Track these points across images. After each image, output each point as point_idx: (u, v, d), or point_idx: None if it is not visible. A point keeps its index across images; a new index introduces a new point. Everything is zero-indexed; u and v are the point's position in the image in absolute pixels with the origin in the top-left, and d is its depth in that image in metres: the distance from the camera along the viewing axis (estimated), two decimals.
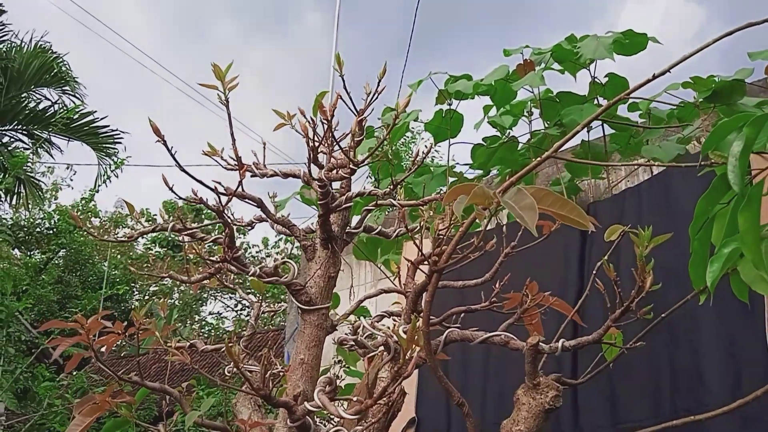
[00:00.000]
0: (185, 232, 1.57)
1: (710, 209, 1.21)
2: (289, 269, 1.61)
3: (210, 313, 22.11)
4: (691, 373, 2.73)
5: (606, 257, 1.42)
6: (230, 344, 1.38)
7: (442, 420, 3.41)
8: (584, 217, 1.16)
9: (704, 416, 1.25)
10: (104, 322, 1.65)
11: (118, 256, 19.54)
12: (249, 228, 1.94)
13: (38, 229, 15.87)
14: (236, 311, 21.16)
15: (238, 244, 1.60)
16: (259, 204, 1.64)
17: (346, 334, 1.68)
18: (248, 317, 1.98)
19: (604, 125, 3.29)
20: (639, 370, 2.86)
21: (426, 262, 1.46)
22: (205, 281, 1.88)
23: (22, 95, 10.43)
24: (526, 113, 3.58)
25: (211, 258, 1.55)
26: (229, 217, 1.50)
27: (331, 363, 3.97)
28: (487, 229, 1.65)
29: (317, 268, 1.67)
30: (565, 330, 1.57)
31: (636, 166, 3.51)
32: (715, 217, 1.23)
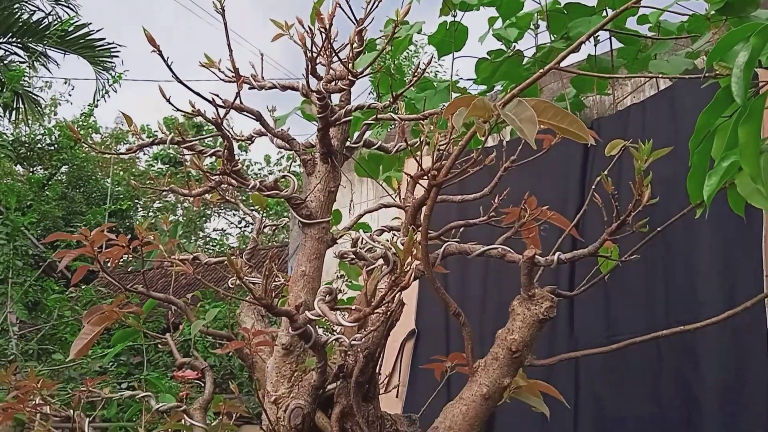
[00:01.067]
0: (184, 145, 1.57)
1: (712, 122, 1.20)
2: (290, 183, 1.61)
3: (214, 230, 22.35)
4: (686, 288, 2.78)
5: (606, 172, 1.42)
6: (232, 256, 1.40)
7: (441, 332, 3.51)
8: (584, 130, 1.15)
9: (694, 326, 1.29)
10: (109, 234, 1.68)
11: (121, 173, 19.59)
12: (249, 142, 1.93)
13: (39, 145, 15.81)
14: (240, 228, 21.38)
15: (240, 161, 1.60)
16: (258, 117, 1.63)
17: (346, 247, 1.71)
18: (252, 233, 2.00)
19: (612, 39, 3.20)
20: (634, 284, 2.92)
21: (426, 177, 1.46)
22: (206, 195, 1.89)
23: (15, 5, 10.14)
24: (532, 26, 3.47)
25: (211, 171, 1.55)
26: (227, 131, 1.49)
27: (333, 278, 4.05)
28: (490, 146, 1.64)
29: (317, 182, 1.68)
30: (563, 245, 1.59)
31: (642, 81, 3.44)
32: (717, 131, 1.22)
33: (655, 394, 2.77)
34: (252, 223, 2.06)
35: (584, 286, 1.53)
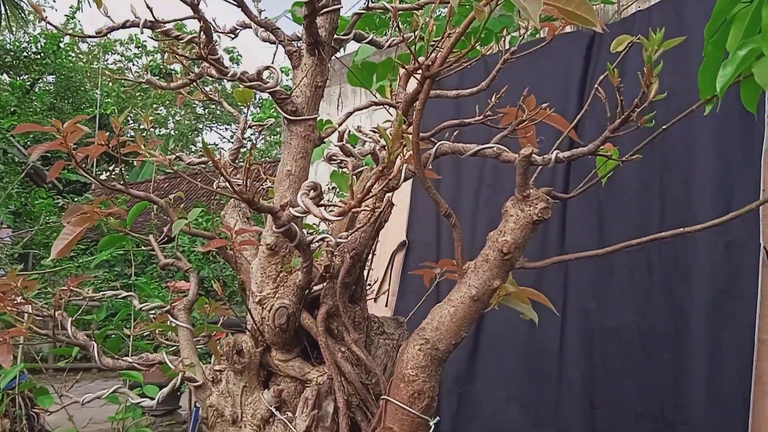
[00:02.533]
0: (159, 30, 1.45)
1: (730, 9, 1.10)
2: (273, 76, 1.52)
3: (206, 144, 22.12)
4: (681, 204, 2.74)
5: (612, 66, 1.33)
6: (214, 153, 1.33)
7: (432, 244, 3.49)
8: (593, 14, 1.06)
9: (694, 228, 1.24)
10: (82, 127, 1.59)
11: (110, 84, 19.16)
12: (232, 36, 1.81)
13: (25, 54, 15.37)
14: (232, 142, 21.18)
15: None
16: (240, 4, 1.51)
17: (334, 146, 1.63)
18: (237, 133, 1.92)
19: None
20: (628, 199, 2.88)
21: (419, 71, 1.37)
22: (187, 91, 1.79)
23: None
24: None
25: (189, 57, 1.45)
26: (204, 17, 1.38)
27: (324, 190, 3.99)
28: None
29: (303, 75, 1.58)
30: (561, 147, 1.51)
31: None
32: (734, 19, 1.12)
33: (642, 306, 2.78)
34: (246, 139, 1.98)
35: (581, 188, 1.47)
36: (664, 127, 1.27)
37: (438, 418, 1.46)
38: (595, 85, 1.32)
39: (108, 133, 1.75)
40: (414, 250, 3.59)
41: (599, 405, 2.88)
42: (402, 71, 1.68)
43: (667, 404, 2.61)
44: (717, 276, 2.59)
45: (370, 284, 3.14)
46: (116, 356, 1.77)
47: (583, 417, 2.89)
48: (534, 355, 3.05)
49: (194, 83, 1.62)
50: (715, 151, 2.69)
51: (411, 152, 1.30)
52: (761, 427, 2.42)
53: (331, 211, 1.04)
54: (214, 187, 1.98)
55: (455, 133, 1.71)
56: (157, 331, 2.07)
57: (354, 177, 1.65)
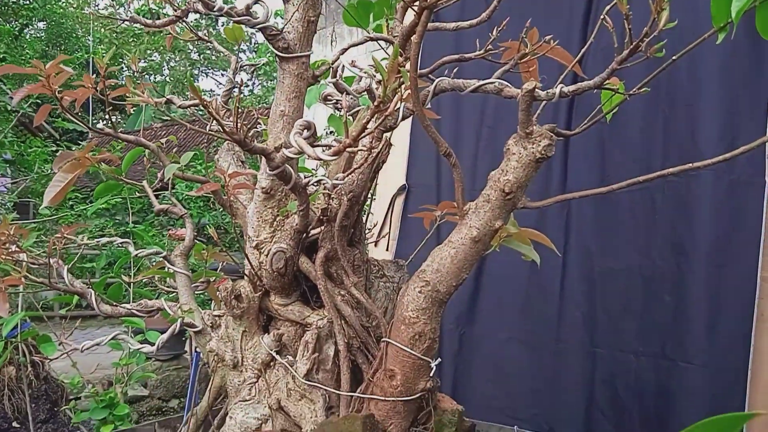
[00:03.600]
0: None
1: None
2: (262, 10, 1.44)
3: (202, 91, 21.82)
4: (686, 141, 2.69)
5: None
6: (204, 95, 1.27)
7: (432, 188, 3.45)
8: None
9: (704, 163, 1.19)
10: (66, 68, 1.53)
11: (102, 30, 18.74)
12: None
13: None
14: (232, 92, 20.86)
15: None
16: None
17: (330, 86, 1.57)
18: (228, 74, 1.84)
19: None
20: (632, 137, 2.82)
21: (417, 2, 1.29)
22: (176, 30, 1.72)
23: None
24: None
25: None
26: None
27: (323, 135, 3.92)
28: None
29: (294, 10, 1.51)
30: (564, 82, 1.45)
31: None
32: None
33: (645, 247, 2.76)
34: (244, 85, 1.91)
35: (586, 124, 1.41)
36: (674, 57, 1.21)
37: (439, 359, 1.45)
38: (602, 15, 1.25)
39: (95, 74, 1.69)
40: (414, 194, 3.55)
41: (599, 344, 2.89)
42: (399, 4, 1.60)
43: (668, 343, 2.63)
44: (721, 215, 2.56)
45: (369, 228, 3.12)
46: (115, 303, 1.75)
47: (584, 356, 2.91)
48: (535, 296, 3.05)
49: (182, 21, 1.54)
50: (722, 89, 2.62)
51: (409, 89, 1.24)
52: (762, 363, 2.44)
53: (326, 150, 0.99)
54: (207, 130, 1.93)
55: (455, 70, 1.65)
56: (157, 278, 2.06)
57: (351, 118, 1.60)
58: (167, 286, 1.90)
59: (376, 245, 3.44)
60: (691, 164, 1.20)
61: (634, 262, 2.80)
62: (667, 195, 2.73)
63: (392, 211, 3.54)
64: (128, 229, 3.37)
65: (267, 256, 1.51)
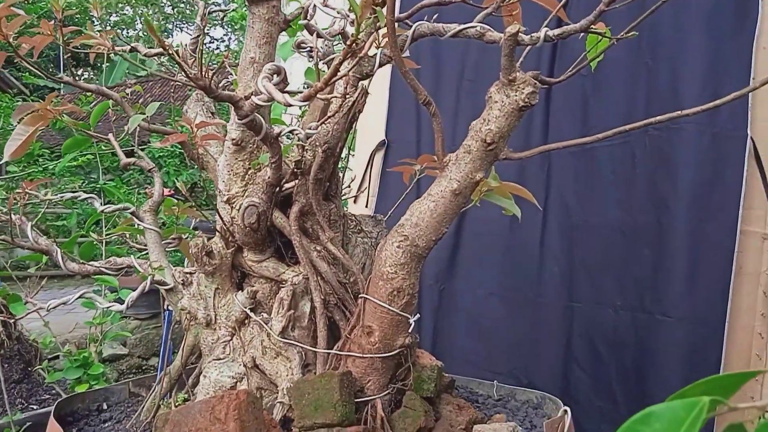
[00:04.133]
0: None
1: None
2: None
3: (176, 46, 21.28)
4: (669, 94, 2.64)
5: None
6: (165, 42, 1.19)
7: (412, 143, 3.38)
8: None
9: (692, 111, 1.15)
10: (19, 12, 1.43)
11: None
12: None
13: None
14: (204, 44, 20.42)
15: None
16: None
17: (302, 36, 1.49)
18: (217, 49, 1.75)
19: None
20: (615, 88, 2.77)
21: None
22: None
23: None
24: None
25: None
26: None
27: (298, 87, 3.82)
28: None
29: None
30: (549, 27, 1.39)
31: None
32: None
33: (625, 200, 2.74)
34: (215, 39, 1.81)
35: (571, 71, 1.36)
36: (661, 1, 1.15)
37: (418, 315, 1.42)
38: None
39: (51, 20, 1.59)
40: (393, 149, 3.48)
41: (578, 299, 2.89)
42: None
43: (647, 297, 2.63)
44: (702, 168, 2.54)
45: (348, 185, 3.06)
46: (82, 261, 1.69)
47: (562, 310, 2.91)
48: (514, 251, 3.03)
49: None
50: (706, 39, 2.57)
51: (386, 34, 1.17)
52: (739, 317, 2.45)
53: (296, 96, 0.93)
54: (175, 79, 1.84)
55: (435, 16, 1.57)
56: (128, 236, 1.99)
57: (326, 66, 1.52)
58: (139, 244, 1.84)
59: (355, 202, 3.39)
60: (679, 112, 1.16)
61: (613, 217, 2.78)
62: (648, 149, 2.70)
63: (371, 167, 3.47)
64: (100, 186, 3.27)
65: (239, 211, 1.45)
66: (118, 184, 3.57)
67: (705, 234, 2.50)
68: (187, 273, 1.56)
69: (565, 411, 1.51)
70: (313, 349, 1.42)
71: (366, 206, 3.43)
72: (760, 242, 2.48)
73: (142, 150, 1.88)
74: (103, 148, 2.06)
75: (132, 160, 1.69)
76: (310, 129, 1.32)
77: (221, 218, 1.48)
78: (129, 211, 1.67)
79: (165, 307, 1.65)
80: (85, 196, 1.65)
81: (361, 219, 1.63)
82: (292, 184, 1.47)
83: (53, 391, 2.68)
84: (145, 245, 1.84)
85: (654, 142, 2.66)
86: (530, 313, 2.99)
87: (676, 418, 0.45)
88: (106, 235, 1.98)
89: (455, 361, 3.05)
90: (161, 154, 8.19)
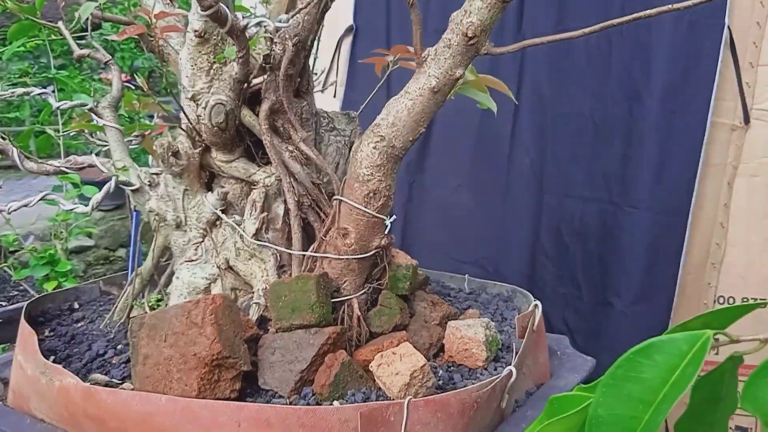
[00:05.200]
0: None
1: None
2: None
3: None
4: None
5: None
6: None
7: (382, 29, 3.24)
8: None
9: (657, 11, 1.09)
10: None
11: None
12: None
13: None
14: None
15: None
16: None
17: None
18: None
19: None
20: None
21: None
22: None
23: None
24: None
25: None
26: None
27: None
28: None
29: None
30: None
31: None
32: None
33: (598, 92, 2.70)
34: None
35: None
36: None
37: (394, 216, 1.40)
38: None
39: None
40: (362, 36, 3.34)
41: (547, 190, 2.92)
42: None
43: (614, 189, 2.66)
44: (677, 58, 2.49)
45: (316, 74, 2.94)
46: (41, 160, 1.60)
47: (532, 201, 2.94)
48: (485, 143, 3.01)
49: None
50: None
51: None
52: (702, 207, 2.51)
53: None
54: None
55: None
56: (86, 132, 1.89)
57: None
58: (98, 139, 1.75)
59: (323, 92, 3.28)
60: (667, 8, 1.10)
61: (586, 107, 2.75)
62: (624, 36, 2.63)
63: (339, 55, 3.33)
64: (52, 75, 3.08)
65: (205, 108, 1.37)
66: (71, 72, 3.37)
67: (675, 126, 2.50)
68: (153, 174, 1.50)
69: (536, 305, 1.55)
70: (288, 251, 1.40)
71: (334, 96, 3.32)
72: (729, 133, 2.49)
73: (94, 31, 1.75)
74: (53, 36, 1.91)
75: (86, 51, 1.57)
76: (279, 21, 1.23)
77: (187, 117, 1.41)
78: (87, 107, 1.57)
79: (132, 208, 1.59)
80: (38, 91, 1.54)
81: (334, 116, 1.57)
82: (260, 79, 1.39)
83: (21, 287, 2.65)
84: (105, 141, 1.76)
85: (630, 30, 2.58)
86: (500, 204, 3.02)
87: (678, 351, 0.44)
88: (64, 131, 1.88)
89: (423, 251, 3.09)
90: (112, 39, 7.72)
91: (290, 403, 1.24)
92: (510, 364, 1.43)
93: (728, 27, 2.42)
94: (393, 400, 1.21)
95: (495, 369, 1.39)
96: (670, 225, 2.53)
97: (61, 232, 2.41)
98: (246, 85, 1.36)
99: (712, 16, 2.43)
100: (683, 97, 2.48)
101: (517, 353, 1.40)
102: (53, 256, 2.34)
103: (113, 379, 1.41)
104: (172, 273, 1.62)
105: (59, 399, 1.34)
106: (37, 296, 1.78)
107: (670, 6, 1.25)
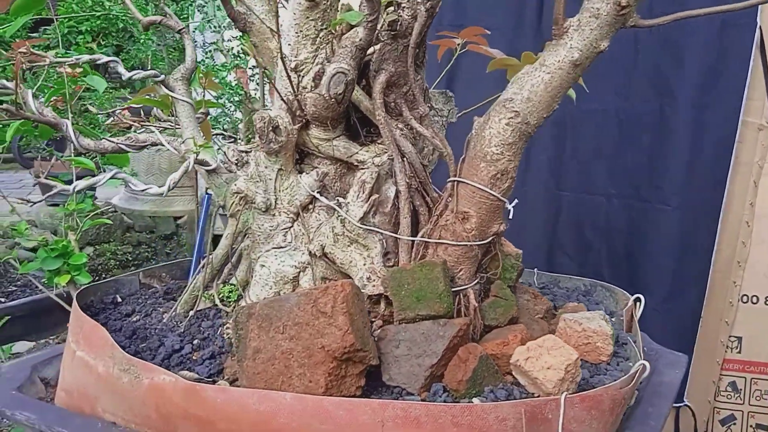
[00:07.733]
0: None
1: None
2: None
3: None
4: None
5: None
6: None
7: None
8: None
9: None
10: None
11: None
12: None
13: None
14: None
15: None
16: None
17: None
18: None
19: None
20: None
21: None
22: None
23: None
24: None
25: None
26: None
27: None
28: None
29: None
30: None
31: None
32: None
33: (623, 88, 2.69)
34: None
35: None
36: None
37: (516, 200, 1.32)
38: None
39: None
40: None
41: (565, 187, 2.89)
42: None
43: (643, 185, 2.65)
44: (708, 56, 2.50)
45: None
46: (97, 137, 1.44)
47: (549, 198, 2.90)
48: None
49: None
50: None
51: None
52: (732, 204, 2.52)
53: None
54: None
55: None
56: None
57: None
58: (154, 118, 1.59)
59: None
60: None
61: (609, 104, 2.73)
62: (653, 34, 2.62)
63: None
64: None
65: (312, 79, 1.25)
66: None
67: (706, 123, 2.50)
68: (242, 151, 1.36)
69: (638, 298, 1.49)
70: (402, 236, 1.29)
71: None
72: (756, 132, 2.51)
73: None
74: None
75: (157, 18, 1.41)
76: None
77: (291, 87, 1.28)
78: (159, 79, 1.41)
79: (205, 191, 1.45)
80: (106, 59, 1.38)
81: (431, 95, 1.47)
82: (372, 49, 1.28)
83: (19, 282, 2.43)
84: (158, 118, 1.61)
85: (660, 26, 2.58)
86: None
87: None
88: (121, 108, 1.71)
89: None
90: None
91: (423, 401, 1.13)
92: (627, 359, 1.36)
93: (760, 27, 2.44)
94: (537, 396, 1.12)
95: (618, 364, 1.32)
96: (700, 223, 2.53)
97: (74, 224, 2.20)
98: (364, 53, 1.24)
99: (744, 16, 2.44)
100: (715, 95, 2.49)
101: (637, 347, 1.33)
102: (66, 247, 2.13)
103: (202, 377, 1.26)
104: (242, 261, 1.48)
105: (148, 399, 1.19)
106: (79, 290, 1.61)
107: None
